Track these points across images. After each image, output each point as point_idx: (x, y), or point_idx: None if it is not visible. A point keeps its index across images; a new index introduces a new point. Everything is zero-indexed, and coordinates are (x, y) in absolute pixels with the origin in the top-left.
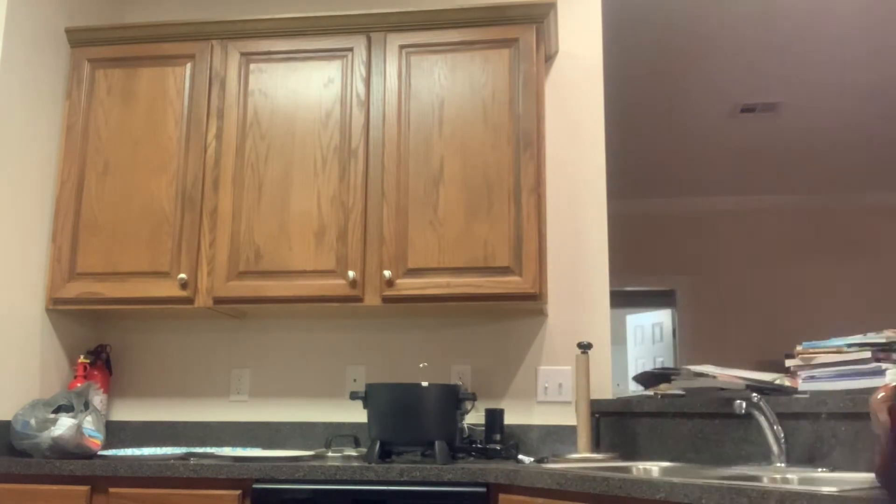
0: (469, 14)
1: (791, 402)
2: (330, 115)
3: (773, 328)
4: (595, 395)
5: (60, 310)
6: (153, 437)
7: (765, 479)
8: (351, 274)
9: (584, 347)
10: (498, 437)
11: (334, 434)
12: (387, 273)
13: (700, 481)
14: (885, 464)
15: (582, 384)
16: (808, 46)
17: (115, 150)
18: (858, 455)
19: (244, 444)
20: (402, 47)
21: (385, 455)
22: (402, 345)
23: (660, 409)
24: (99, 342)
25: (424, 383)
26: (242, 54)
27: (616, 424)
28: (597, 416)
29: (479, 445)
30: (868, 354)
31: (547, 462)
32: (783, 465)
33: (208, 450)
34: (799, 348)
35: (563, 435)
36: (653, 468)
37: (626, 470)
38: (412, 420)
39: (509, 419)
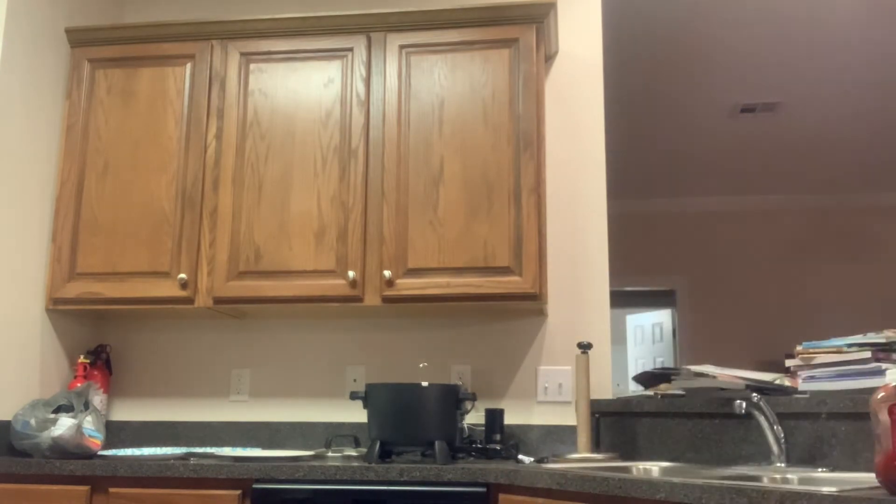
0: (469, 14)
1: (791, 402)
2: (330, 115)
3: (773, 328)
4: (595, 395)
5: (60, 310)
6: (153, 437)
7: (765, 479)
8: (351, 274)
9: (584, 347)
10: (498, 437)
11: (334, 434)
12: (387, 273)
13: (700, 481)
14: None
15: (582, 384)
16: (808, 46)
17: (115, 150)
18: (858, 455)
19: (244, 444)
20: (402, 47)
21: (385, 455)
22: (402, 345)
23: (660, 409)
24: (99, 342)
25: (424, 383)
26: (242, 54)
27: (616, 424)
28: (597, 416)
29: (479, 445)
30: (868, 354)
31: (547, 462)
32: (783, 465)
33: (208, 450)
34: (799, 348)
35: (563, 435)
36: (653, 468)
37: (626, 470)
38: (412, 420)
39: (509, 419)
